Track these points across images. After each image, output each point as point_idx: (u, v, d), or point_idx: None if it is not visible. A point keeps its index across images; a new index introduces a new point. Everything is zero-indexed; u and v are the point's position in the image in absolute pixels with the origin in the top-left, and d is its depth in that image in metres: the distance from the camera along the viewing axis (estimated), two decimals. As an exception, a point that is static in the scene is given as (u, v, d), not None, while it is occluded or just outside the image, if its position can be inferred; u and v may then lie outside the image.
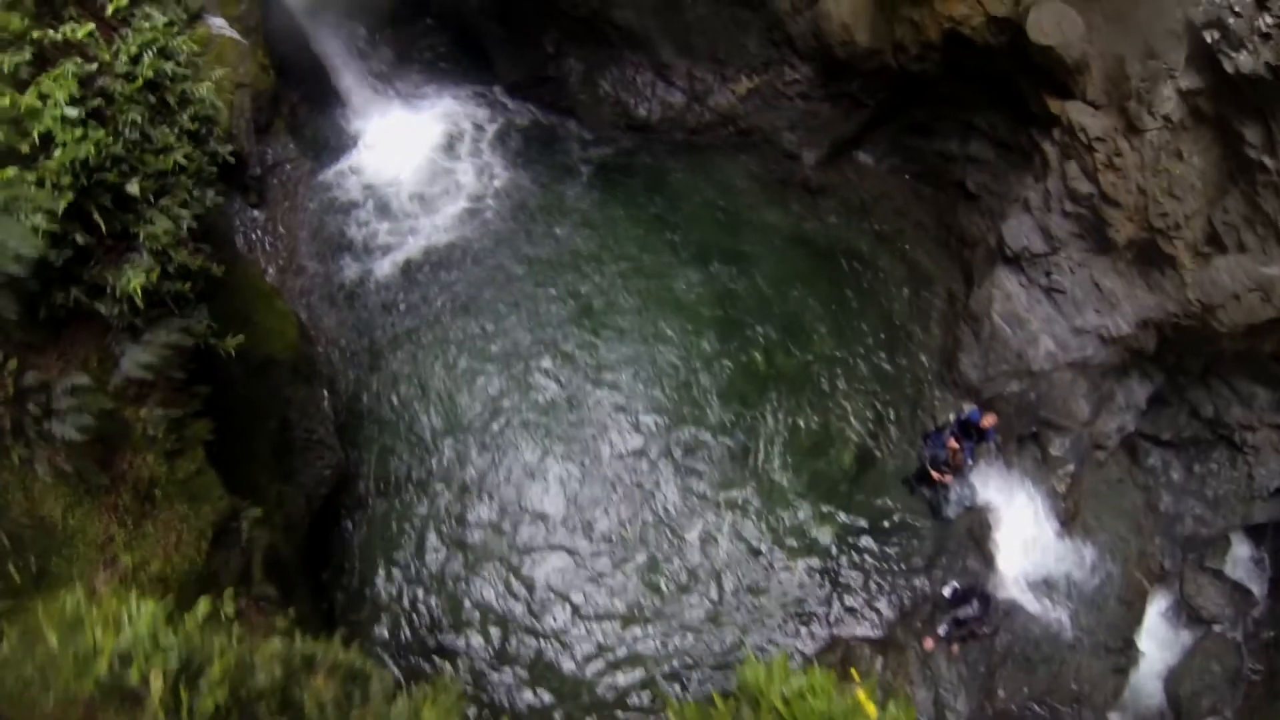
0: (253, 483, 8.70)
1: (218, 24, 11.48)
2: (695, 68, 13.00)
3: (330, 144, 13.61)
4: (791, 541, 11.34)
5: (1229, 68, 8.73)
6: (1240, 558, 12.83)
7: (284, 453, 9.34)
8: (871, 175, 14.09)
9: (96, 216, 5.56)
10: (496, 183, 13.64)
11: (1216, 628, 12.32)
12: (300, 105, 13.70)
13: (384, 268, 12.66)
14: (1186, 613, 12.46)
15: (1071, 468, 12.43)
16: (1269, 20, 8.22)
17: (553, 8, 12.57)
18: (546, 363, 12.03)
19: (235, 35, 11.60)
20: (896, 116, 13.35)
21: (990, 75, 11.80)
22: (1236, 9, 8.40)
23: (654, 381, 11.98)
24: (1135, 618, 11.94)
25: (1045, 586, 11.73)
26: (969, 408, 11.96)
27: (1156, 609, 12.38)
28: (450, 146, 13.82)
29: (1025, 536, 11.92)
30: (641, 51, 12.98)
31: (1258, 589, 12.59)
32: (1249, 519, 12.61)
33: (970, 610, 10.26)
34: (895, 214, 13.88)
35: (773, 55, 12.47)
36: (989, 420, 11.17)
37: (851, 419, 12.11)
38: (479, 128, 14.12)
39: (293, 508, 9.51)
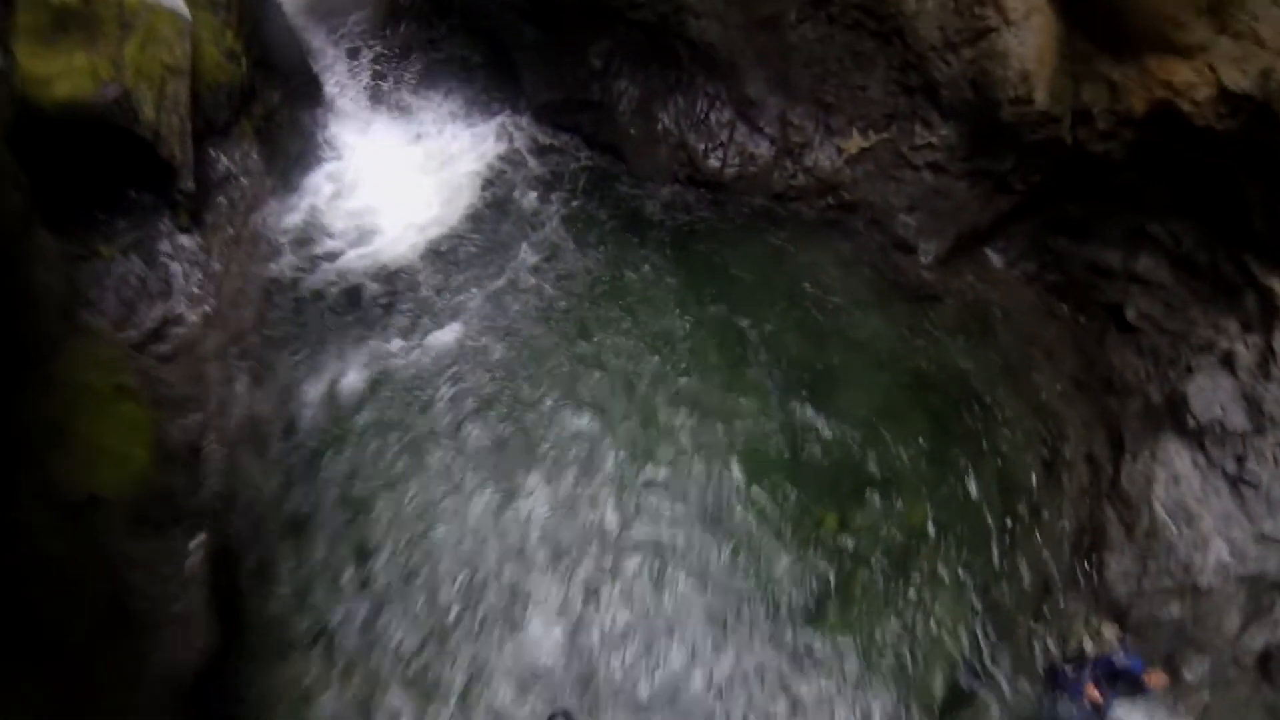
0: None
1: (155, -12, 8.55)
2: (791, 110, 9.72)
3: (306, 163, 10.60)
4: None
5: None
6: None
7: (115, 638, 6.27)
8: (999, 282, 10.76)
9: None
10: (526, 253, 10.59)
11: None
12: (281, 109, 10.71)
13: (351, 355, 9.63)
14: None
15: (1206, 697, 9.16)
16: None
17: (604, 5, 9.34)
18: (563, 546, 8.79)
19: (176, 6, 8.63)
20: (1046, 208, 9.96)
21: (1196, 169, 8.58)
22: None
23: (700, 568, 8.75)
24: None
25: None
26: (1110, 632, 8.65)
27: None
28: (458, 185, 10.78)
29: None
30: (720, 80, 9.75)
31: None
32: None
33: None
34: (1024, 338, 10.55)
35: (901, 106, 9.17)
36: (1157, 680, 7.82)
37: (946, 628, 8.72)
38: (501, 163, 11.04)
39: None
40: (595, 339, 10.21)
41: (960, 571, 9.10)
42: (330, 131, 10.85)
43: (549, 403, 9.63)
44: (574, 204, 11.02)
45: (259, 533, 8.43)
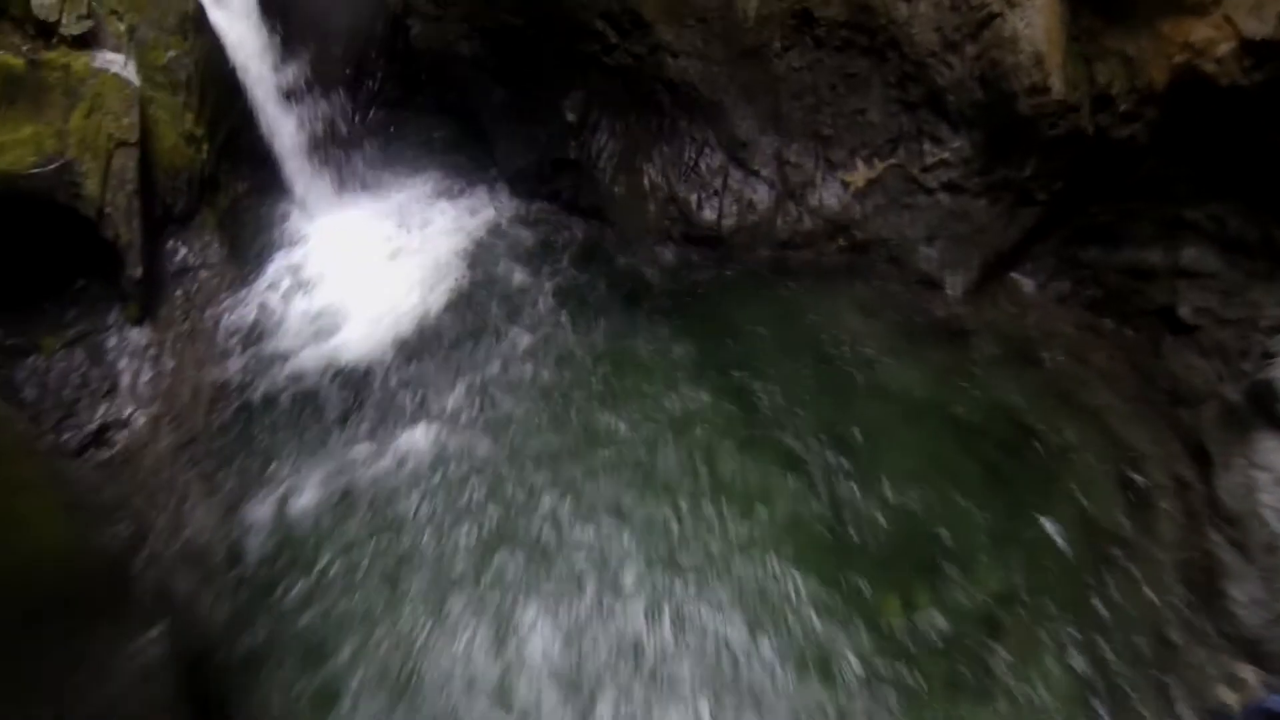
0: None
1: (105, 59, 8.07)
2: (787, 147, 9.08)
3: (272, 254, 9.89)
4: None
5: None
6: None
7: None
8: (1034, 307, 9.88)
9: None
10: (517, 337, 9.74)
11: None
12: (247, 198, 10.12)
13: (315, 465, 8.49)
14: None
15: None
16: None
17: (576, 53, 8.88)
18: (582, 685, 7.26)
19: (128, 76, 8.12)
20: (1070, 218, 9.26)
21: (1226, 143, 7.93)
22: None
23: (755, 690, 7.17)
24: None
25: None
26: (1248, 673, 7.14)
27: None
28: (437, 268, 10.04)
29: None
30: (706, 122, 9.17)
31: None
32: None
33: None
34: (1074, 361, 9.53)
35: (905, 125, 8.55)
36: (1332, 720, 6.27)
37: (1057, 704, 7.12)
38: (482, 240, 10.37)
39: None
40: (601, 428, 9.07)
41: (1060, 635, 7.63)
42: (300, 220, 10.19)
43: (549, 508, 8.30)
44: (565, 277, 10.23)
45: (199, 675, 6.91)
